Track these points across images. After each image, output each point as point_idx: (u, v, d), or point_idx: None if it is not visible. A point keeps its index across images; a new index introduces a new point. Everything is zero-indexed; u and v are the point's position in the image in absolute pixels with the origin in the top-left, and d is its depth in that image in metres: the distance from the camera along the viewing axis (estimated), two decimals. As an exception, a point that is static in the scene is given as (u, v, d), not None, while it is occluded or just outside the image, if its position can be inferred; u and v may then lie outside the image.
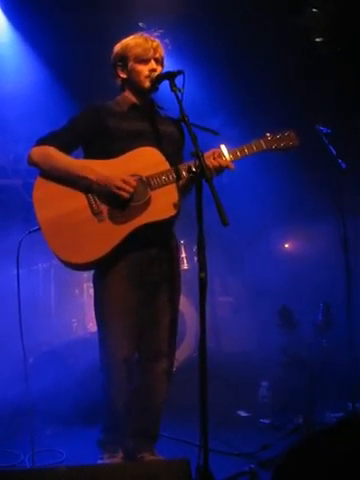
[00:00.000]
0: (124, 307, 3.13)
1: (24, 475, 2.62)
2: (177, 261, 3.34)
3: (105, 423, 3.27)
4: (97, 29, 5.30)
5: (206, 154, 3.01)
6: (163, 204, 3.07)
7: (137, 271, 3.15)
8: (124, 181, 3.01)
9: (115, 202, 3.04)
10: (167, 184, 3.08)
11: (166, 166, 3.10)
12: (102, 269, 3.14)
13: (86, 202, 3.08)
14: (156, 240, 3.16)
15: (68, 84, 5.63)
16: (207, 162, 2.93)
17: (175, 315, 3.28)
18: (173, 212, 3.08)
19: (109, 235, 3.04)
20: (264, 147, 3.18)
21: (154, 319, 3.23)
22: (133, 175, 3.06)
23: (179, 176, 3.08)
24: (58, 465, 3.44)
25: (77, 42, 5.47)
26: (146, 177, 3.07)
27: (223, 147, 3.13)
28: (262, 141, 3.19)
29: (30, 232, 3.29)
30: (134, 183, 3.02)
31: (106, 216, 3.06)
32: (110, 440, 3.25)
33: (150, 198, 3.06)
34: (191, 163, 2.88)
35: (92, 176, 3.05)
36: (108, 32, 4.92)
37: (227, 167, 3.09)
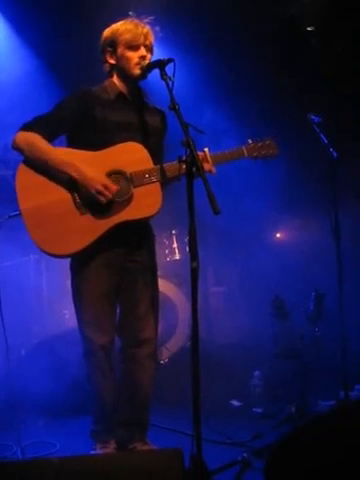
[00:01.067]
0: (99, 294, 3.17)
1: (16, 466, 2.61)
2: (153, 250, 3.37)
3: (95, 413, 3.31)
4: (87, 18, 5.26)
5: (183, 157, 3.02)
6: (145, 202, 3.09)
7: (114, 262, 3.18)
8: (105, 186, 3.02)
9: (95, 202, 3.06)
10: (150, 183, 3.09)
11: (150, 164, 3.11)
12: (80, 259, 3.16)
13: (69, 194, 3.09)
14: (134, 234, 3.19)
15: (58, 73, 5.59)
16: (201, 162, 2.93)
17: (153, 302, 3.30)
18: (154, 211, 3.11)
19: (90, 229, 3.06)
20: (246, 154, 3.26)
21: (132, 307, 3.26)
22: (117, 171, 3.07)
23: (163, 175, 3.09)
24: (51, 456, 3.44)
25: (67, 31, 5.44)
26: (130, 174, 3.08)
27: (207, 150, 3.17)
28: (244, 149, 3.26)
29: (10, 216, 3.28)
30: (114, 189, 3.04)
31: (87, 210, 3.08)
32: (101, 430, 3.29)
33: (132, 195, 3.07)
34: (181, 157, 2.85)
35: (74, 174, 3.05)
36: (98, 21, 4.89)
37: (209, 171, 3.12)
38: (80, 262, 3.17)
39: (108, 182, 3.03)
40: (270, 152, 3.29)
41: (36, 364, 4.34)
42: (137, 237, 3.23)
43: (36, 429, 3.93)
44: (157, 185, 3.09)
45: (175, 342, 5.04)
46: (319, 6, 5.45)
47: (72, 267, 3.24)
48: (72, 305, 5.43)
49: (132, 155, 3.11)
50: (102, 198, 3.02)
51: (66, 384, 4.18)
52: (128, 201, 3.07)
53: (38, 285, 5.31)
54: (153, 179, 3.08)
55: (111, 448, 3.25)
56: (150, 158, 3.11)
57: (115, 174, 3.08)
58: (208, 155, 3.15)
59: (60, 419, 4.11)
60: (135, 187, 3.07)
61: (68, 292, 5.32)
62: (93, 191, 3.01)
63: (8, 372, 3.78)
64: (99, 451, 3.23)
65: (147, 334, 3.27)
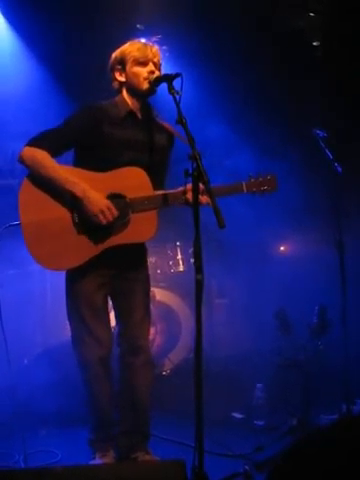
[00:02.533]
0: (94, 303, 3.26)
1: (19, 475, 2.62)
2: (145, 262, 3.45)
3: (92, 421, 3.36)
4: (95, 29, 5.31)
5: (186, 188, 3.08)
6: (141, 228, 3.17)
7: (106, 271, 3.25)
8: (108, 208, 3.08)
9: (94, 223, 3.11)
10: (148, 209, 3.15)
11: (150, 190, 3.17)
12: (73, 271, 3.23)
13: (69, 213, 3.15)
14: (128, 251, 3.24)
15: (65, 83, 5.62)
16: (187, 197, 3.08)
17: (147, 310, 3.39)
18: (148, 237, 3.20)
19: (86, 248, 3.14)
20: (244, 190, 3.31)
21: (128, 316, 3.34)
22: (118, 194, 3.13)
23: (165, 202, 3.16)
24: (53, 465, 3.44)
25: (74, 42, 5.47)
26: (130, 199, 3.14)
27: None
28: (244, 184, 3.31)
29: (10, 225, 3.32)
30: (116, 213, 3.09)
31: (85, 230, 3.14)
32: (99, 439, 3.32)
33: (130, 220, 3.14)
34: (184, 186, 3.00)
35: (79, 193, 3.09)
36: (105, 33, 4.95)
37: (208, 204, 3.07)
38: (74, 274, 3.24)
39: (111, 205, 3.09)
40: (269, 188, 3.34)
41: (38, 373, 4.34)
42: (130, 256, 3.29)
43: (38, 438, 3.93)
44: (154, 212, 3.17)
45: (178, 353, 5.04)
46: (324, 20, 5.49)
47: (67, 278, 3.32)
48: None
49: (134, 180, 3.17)
50: (103, 219, 3.08)
51: (68, 393, 4.17)
52: (125, 225, 3.15)
53: (41, 294, 5.32)
54: (152, 206, 3.15)
55: (110, 457, 3.28)
56: (151, 185, 3.17)
57: (116, 198, 3.14)
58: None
59: (62, 428, 4.11)
60: (133, 212, 3.14)
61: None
62: (96, 211, 3.07)
63: (11, 381, 3.80)
64: (98, 460, 3.25)
65: (142, 341, 3.35)
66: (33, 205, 3.16)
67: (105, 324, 3.33)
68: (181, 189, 3.13)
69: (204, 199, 3.07)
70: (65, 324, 5.32)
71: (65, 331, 5.28)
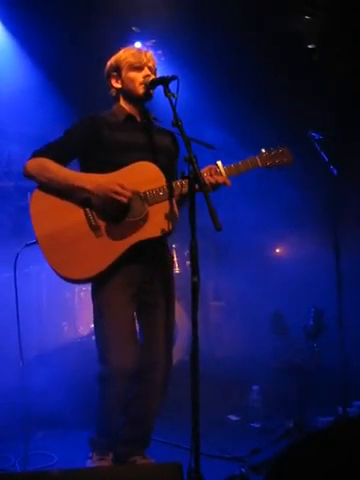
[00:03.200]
0: (121, 319, 3.13)
1: (16, 478, 2.61)
2: (172, 273, 3.36)
3: (99, 427, 3.28)
4: (91, 31, 5.32)
5: (202, 170, 3.03)
6: (160, 220, 3.07)
7: (133, 283, 3.16)
8: (121, 186, 3.00)
9: (113, 215, 3.04)
10: (164, 200, 3.08)
11: (163, 181, 3.11)
12: (100, 282, 3.13)
13: (84, 216, 3.07)
14: (152, 253, 3.17)
15: (61, 86, 5.63)
16: (204, 179, 2.95)
17: (172, 326, 3.30)
18: (169, 229, 3.09)
19: (107, 251, 3.04)
20: (259, 164, 3.23)
21: (152, 330, 3.25)
22: (131, 190, 3.05)
23: (176, 191, 3.09)
24: (49, 468, 3.43)
25: (71, 45, 5.48)
26: (143, 192, 3.07)
27: (219, 163, 3.15)
28: (257, 158, 3.23)
29: (27, 245, 3.27)
30: (131, 189, 3.01)
31: (104, 231, 3.06)
32: (102, 443, 3.27)
33: (147, 214, 3.06)
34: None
35: (89, 186, 3.04)
36: (102, 35, 4.96)
37: (224, 184, 3.11)
38: (100, 285, 3.14)
39: (122, 182, 3.01)
40: (284, 160, 3.25)
41: (35, 376, 4.33)
42: (154, 257, 3.20)
43: (34, 441, 3.92)
44: (171, 202, 3.08)
45: (174, 356, 5.02)
46: (320, 23, 5.50)
47: (92, 290, 3.20)
48: (71, 317, 5.45)
49: (145, 174, 3.11)
50: (122, 198, 2.99)
51: (65, 396, 4.17)
52: (143, 220, 3.06)
53: (38, 297, 5.31)
54: (168, 194, 3.08)
55: (108, 460, 3.25)
56: (163, 175, 3.11)
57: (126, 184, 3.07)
58: (221, 168, 3.14)
59: (58, 431, 4.10)
60: (150, 205, 3.07)
61: (67, 304, 5.38)
62: (111, 194, 2.99)
63: (6, 385, 3.79)
64: (96, 461, 3.21)
65: (166, 359, 3.28)
66: (46, 216, 3.07)
67: (133, 342, 3.18)
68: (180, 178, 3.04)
69: (221, 179, 3.06)
70: (61, 326, 5.34)
71: (61, 333, 5.29)
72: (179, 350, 5.11)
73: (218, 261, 5.81)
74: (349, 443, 2.49)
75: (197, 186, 2.76)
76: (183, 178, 2.86)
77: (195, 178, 2.75)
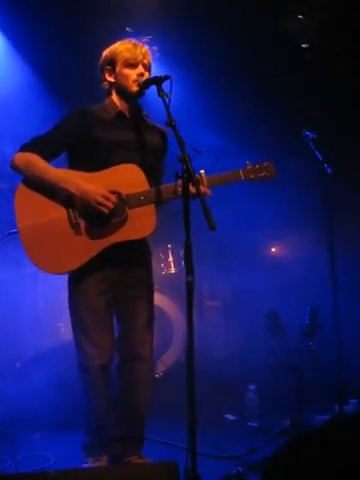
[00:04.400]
0: (96, 309, 3.19)
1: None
2: (150, 267, 3.40)
3: (88, 427, 3.30)
4: (85, 32, 5.31)
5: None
6: (139, 224, 3.13)
7: (108, 274, 3.21)
8: (105, 197, 3.05)
9: (93, 217, 3.09)
10: (145, 204, 3.12)
11: (146, 185, 3.14)
12: (75, 274, 3.19)
13: (65, 213, 3.13)
14: (128, 254, 3.21)
15: (56, 87, 5.62)
16: (197, 178, 2.95)
17: (150, 318, 3.33)
18: (148, 232, 3.15)
19: (85, 249, 3.11)
20: (242, 177, 3.26)
21: (130, 322, 3.29)
22: (113, 191, 3.09)
23: (158, 196, 3.12)
24: (46, 469, 3.43)
25: (65, 45, 5.47)
26: (126, 195, 3.11)
27: (203, 172, 3.18)
28: (241, 171, 3.26)
29: (9, 233, 3.32)
30: (114, 199, 3.07)
31: (83, 229, 3.12)
32: (94, 444, 3.28)
33: (127, 216, 3.11)
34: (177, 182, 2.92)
35: (73, 189, 3.08)
36: (95, 36, 4.94)
37: (205, 194, 3.09)
38: (76, 277, 3.20)
39: (107, 193, 3.06)
40: (268, 174, 3.28)
41: (31, 377, 4.33)
42: (132, 255, 3.24)
43: (31, 443, 3.92)
44: (151, 207, 3.13)
45: (170, 356, 5.04)
46: (315, 23, 5.51)
47: (69, 283, 3.26)
48: (67, 318, 5.42)
49: (128, 176, 3.14)
50: (104, 209, 3.04)
51: (61, 398, 4.17)
52: (123, 222, 3.11)
53: (33, 298, 5.30)
54: (148, 201, 3.12)
55: (103, 462, 3.25)
56: (146, 180, 3.14)
57: (111, 194, 3.11)
58: (204, 177, 3.16)
59: (55, 433, 4.10)
60: (130, 208, 3.11)
61: (63, 305, 5.35)
62: (94, 203, 3.04)
63: (2, 385, 3.79)
64: (91, 465, 3.22)
65: (146, 350, 3.30)
66: (29, 209, 3.14)
67: (107, 331, 3.25)
68: (175, 183, 3.07)
69: (202, 189, 3.03)
70: (58, 327, 5.33)
71: (57, 334, 5.28)
72: (175, 350, 5.12)
73: (213, 261, 5.81)
74: (346, 441, 2.49)
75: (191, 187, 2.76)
76: (177, 178, 2.86)
77: (189, 177, 2.75)
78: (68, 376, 4.25)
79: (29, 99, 5.49)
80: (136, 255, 3.28)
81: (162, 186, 3.15)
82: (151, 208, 3.13)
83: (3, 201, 4.90)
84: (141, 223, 3.13)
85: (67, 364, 4.38)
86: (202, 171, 3.18)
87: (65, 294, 5.32)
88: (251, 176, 3.26)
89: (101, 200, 3.04)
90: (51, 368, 4.45)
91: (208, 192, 3.14)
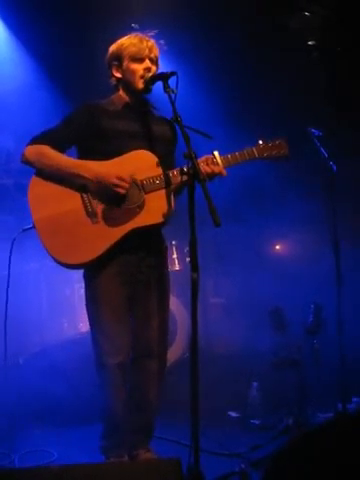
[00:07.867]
0: (114, 305, 3.16)
1: (14, 475, 2.62)
2: (166, 262, 3.37)
3: (106, 427, 3.27)
4: (89, 27, 5.31)
5: (199, 160, 3.02)
6: (156, 208, 3.09)
7: (127, 271, 3.17)
8: (120, 178, 3.03)
9: (109, 202, 3.06)
10: (160, 188, 3.09)
11: (159, 170, 3.12)
12: (92, 268, 3.15)
13: (81, 202, 3.10)
14: (146, 241, 3.18)
15: (60, 82, 5.62)
16: (200, 168, 2.91)
17: (165, 314, 3.30)
18: (166, 217, 3.10)
19: (103, 237, 3.06)
20: (256, 155, 3.21)
21: (145, 318, 3.25)
22: (129, 181, 3.06)
23: (172, 180, 3.10)
24: (49, 464, 3.43)
25: (68, 40, 5.47)
26: (140, 180, 3.09)
27: (216, 153, 3.14)
28: (254, 149, 3.21)
29: (24, 230, 3.31)
30: (129, 180, 3.04)
31: (100, 218, 3.08)
32: (114, 445, 3.24)
33: (144, 201, 3.08)
34: (184, 166, 2.88)
35: (87, 174, 3.07)
36: (100, 31, 4.94)
37: (220, 174, 3.10)
38: (93, 272, 3.16)
39: (120, 174, 3.03)
40: (281, 152, 3.24)
41: (34, 373, 4.33)
42: (149, 245, 3.21)
43: (34, 438, 3.93)
44: (168, 190, 3.10)
45: (174, 352, 5.03)
46: (320, 19, 5.49)
47: (85, 278, 3.23)
48: (70, 314, 5.44)
49: (142, 162, 3.12)
50: (120, 189, 3.02)
51: (64, 393, 4.17)
52: (140, 207, 3.08)
53: (37, 294, 5.31)
54: (163, 184, 3.09)
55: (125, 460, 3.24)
56: (159, 164, 3.12)
57: (126, 175, 3.07)
58: (218, 158, 3.13)
59: (58, 428, 4.10)
60: (146, 193, 3.09)
61: (67, 301, 5.39)
62: (109, 185, 3.02)
63: (6, 381, 3.79)
64: None
65: (161, 348, 3.28)
66: (43, 201, 3.11)
67: (125, 328, 3.19)
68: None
69: (217, 169, 3.05)
70: (61, 323, 5.34)
71: (60, 331, 5.29)
72: (179, 347, 5.12)
73: (217, 258, 5.81)
74: (349, 439, 2.49)
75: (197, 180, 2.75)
76: (182, 174, 2.85)
77: (194, 174, 2.74)
78: (72, 372, 4.26)
79: (35, 96, 5.49)
80: (151, 245, 3.23)
81: (175, 169, 3.12)
82: (167, 192, 3.09)
83: (9, 196, 4.92)
84: (159, 207, 3.08)
85: (71, 360, 4.40)
86: (216, 152, 3.14)
87: (68, 291, 5.38)
88: (265, 154, 3.22)
89: (116, 182, 3.02)
90: (54, 364, 4.45)
91: (224, 172, 3.11)
